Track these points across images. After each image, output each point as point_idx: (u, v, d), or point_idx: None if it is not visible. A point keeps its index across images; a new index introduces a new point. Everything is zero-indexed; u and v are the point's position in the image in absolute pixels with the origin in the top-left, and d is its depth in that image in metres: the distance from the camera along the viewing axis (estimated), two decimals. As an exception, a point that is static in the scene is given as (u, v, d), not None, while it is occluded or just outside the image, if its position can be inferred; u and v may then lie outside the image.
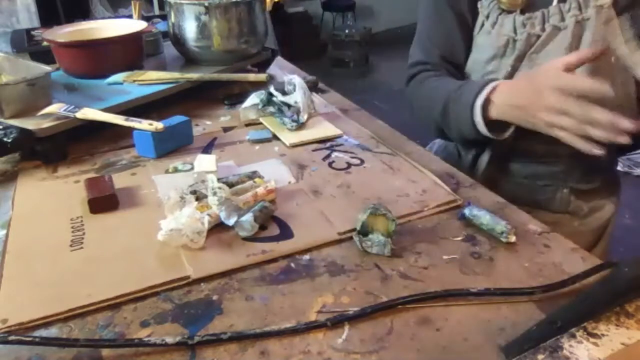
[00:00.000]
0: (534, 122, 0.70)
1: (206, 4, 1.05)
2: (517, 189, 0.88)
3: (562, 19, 0.77)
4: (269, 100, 0.97)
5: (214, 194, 0.65)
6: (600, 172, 0.89)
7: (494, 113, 0.75)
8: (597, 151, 0.62)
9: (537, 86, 0.67)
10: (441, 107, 0.83)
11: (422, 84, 0.90)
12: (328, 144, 0.88)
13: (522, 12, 0.80)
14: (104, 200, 0.68)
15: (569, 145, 0.71)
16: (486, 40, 0.85)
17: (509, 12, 0.82)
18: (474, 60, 0.88)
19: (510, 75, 0.83)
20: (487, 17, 0.84)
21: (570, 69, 0.64)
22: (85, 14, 3.06)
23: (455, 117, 0.81)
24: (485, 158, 0.88)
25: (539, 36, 0.79)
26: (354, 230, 0.62)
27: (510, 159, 0.89)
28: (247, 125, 0.97)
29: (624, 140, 0.59)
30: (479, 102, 0.75)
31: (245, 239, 0.62)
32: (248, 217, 0.62)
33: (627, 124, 0.58)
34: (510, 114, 0.73)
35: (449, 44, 0.90)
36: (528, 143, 0.84)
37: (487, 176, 0.87)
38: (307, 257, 0.60)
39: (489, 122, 0.76)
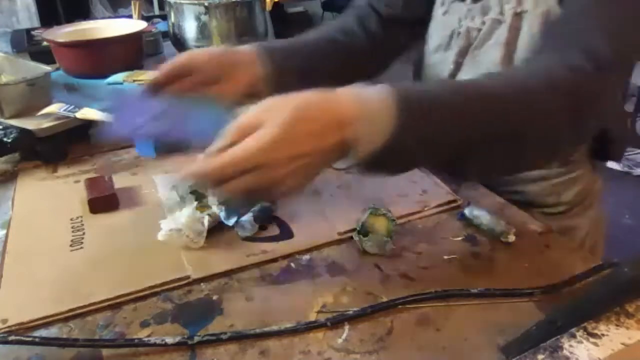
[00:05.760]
0: None
1: (206, 4, 1.05)
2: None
3: (502, 12, 0.70)
4: (269, 100, 0.97)
5: (214, 194, 0.65)
6: (558, 196, 0.79)
7: None
8: None
9: None
10: None
11: None
12: (328, 144, 0.88)
13: (476, 0, 0.73)
14: (104, 200, 0.68)
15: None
16: (434, 28, 0.79)
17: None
18: (425, 50, 0.81)
19: (454, 72, 0.76)
20: (443, 3, 0.77)
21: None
22: (85, 14, 3.06)
23: None
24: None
25: (480, 30, 0.72)
26: (354, 230, 0.62)
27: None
28: (247, 125, 0.96)
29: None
30: None
31: (245, 239, 0.62)
32: (248, 217, 0.62)
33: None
34: None
35: None
36: None
37: None
38: (307, 257, 0.60)
39: None
